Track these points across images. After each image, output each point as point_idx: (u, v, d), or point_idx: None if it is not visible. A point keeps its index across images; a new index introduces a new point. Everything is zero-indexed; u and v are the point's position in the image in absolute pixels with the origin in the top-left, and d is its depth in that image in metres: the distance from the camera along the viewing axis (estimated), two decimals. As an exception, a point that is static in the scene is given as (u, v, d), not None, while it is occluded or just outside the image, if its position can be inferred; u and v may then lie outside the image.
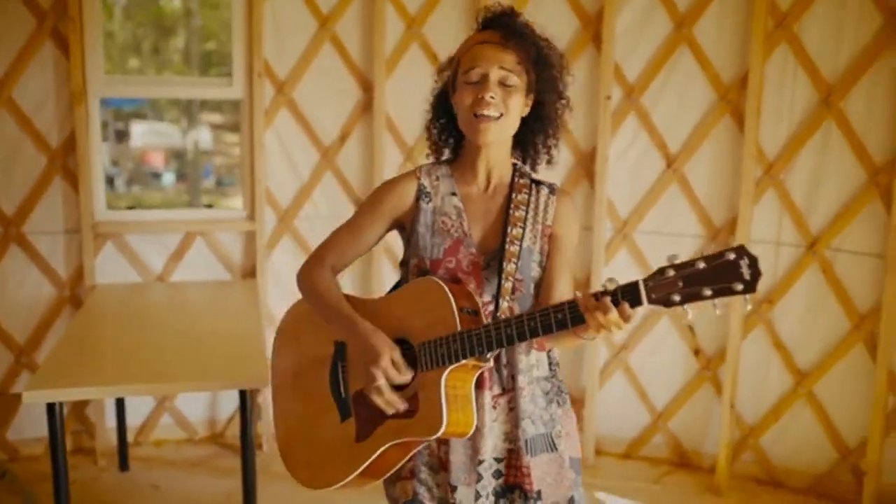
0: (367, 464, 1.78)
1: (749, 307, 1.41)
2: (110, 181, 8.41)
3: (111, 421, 3.84)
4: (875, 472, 3.41)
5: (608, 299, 1.50)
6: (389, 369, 1.71)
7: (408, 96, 3.90)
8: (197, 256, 3.95)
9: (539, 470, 1.82)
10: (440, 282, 1.73)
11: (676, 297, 1.45)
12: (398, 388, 1.75)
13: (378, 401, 1.73)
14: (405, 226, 1.89)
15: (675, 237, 3.76)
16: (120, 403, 3.73)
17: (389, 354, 1.72)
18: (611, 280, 1.53)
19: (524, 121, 1.84)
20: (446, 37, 3.84)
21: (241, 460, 2.71)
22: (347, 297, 1.89)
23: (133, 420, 3.91)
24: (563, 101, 1.88)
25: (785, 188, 3.55)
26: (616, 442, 4.01)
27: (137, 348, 2.91)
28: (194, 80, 4.91)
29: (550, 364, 1.88)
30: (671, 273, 1.45)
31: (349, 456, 1.82)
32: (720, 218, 3.70)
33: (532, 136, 1.88)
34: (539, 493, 1.81)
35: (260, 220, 3.89)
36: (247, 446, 2.68)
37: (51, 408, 2.48)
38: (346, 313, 1.81)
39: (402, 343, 1.77)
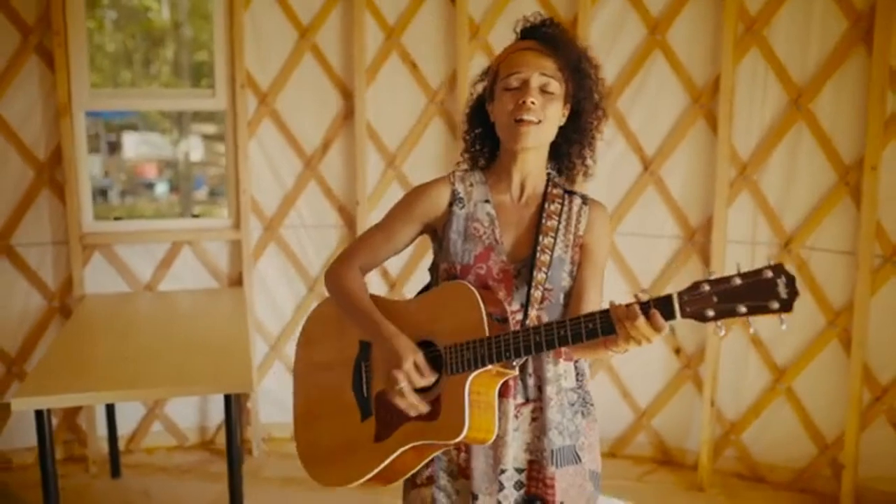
0: (384, 464, 1.78)
1: (784, 327, 1.40)
2: (103, 193, 8.46)
3: (102, 430, 3.89)
4: (852, 466, 3.48)
5: (639, 308, 1.48)
6: (412, 373, 1.70)
7: (388, 104, 3.99)
8: (184, 265, 4.01)
9: (564, 482, 1.82)
10: (470, 286, 1.72)
11: (710, 313, 1.43)
12: (422, 390, 1.74)
13: (400, 403, 1.72)
14: (437, 230, 1.89)
15: (653, 238, 3.83)
16: (110, 411, 3.78)
17: (413, 358, 1.71)
18: (644, 292, 1.52)
19: (560, 130, 1.84)
20: (425, 46, 3.93)
21: (227, 463, 2.75)
22: (375, 297, 1.88)
23: (124, 428, 3.96)
24: (600, 113, 1.87)
25: (759, 188, 3.62)
26: (601, 441, 4.06)
27: (126, 356, 2.96)
28: (178, 91, 4.98)
29: (578, 375, 1.87)
30: (706, 288, 1.43)
31: (367, 456, 1.81)
32: (696, 219, 3.77)
33: (567, 147, 1.87)
34: None
35: (245, 228, 3.95)
36: (232, 450, 2.72)
37: (39, 414, 2.54)
38: (371, 315, 1.82)
39: (428, 345, 1.76)
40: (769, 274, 1.38)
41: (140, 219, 6.48)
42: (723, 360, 3.74)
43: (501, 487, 1.80)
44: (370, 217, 4.00)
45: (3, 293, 3.80)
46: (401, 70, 3.94)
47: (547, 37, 1.80)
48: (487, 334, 1.67)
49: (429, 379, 1.72)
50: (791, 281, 1.37)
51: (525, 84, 1.76)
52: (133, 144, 9.33)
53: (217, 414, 4.15)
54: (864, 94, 3.32)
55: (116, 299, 3.79)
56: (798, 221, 3.57)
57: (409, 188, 4.10)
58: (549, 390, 1.80)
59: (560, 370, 1.82)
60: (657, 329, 1.48)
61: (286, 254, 4.07)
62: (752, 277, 1.40)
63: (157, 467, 3.95)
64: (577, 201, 1.87)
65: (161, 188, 9.47)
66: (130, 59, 8.30)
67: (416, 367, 1.71)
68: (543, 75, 1.76)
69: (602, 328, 1.54)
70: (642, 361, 3.96)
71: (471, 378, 1.68)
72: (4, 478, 3.52)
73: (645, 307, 1.48)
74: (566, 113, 1.83)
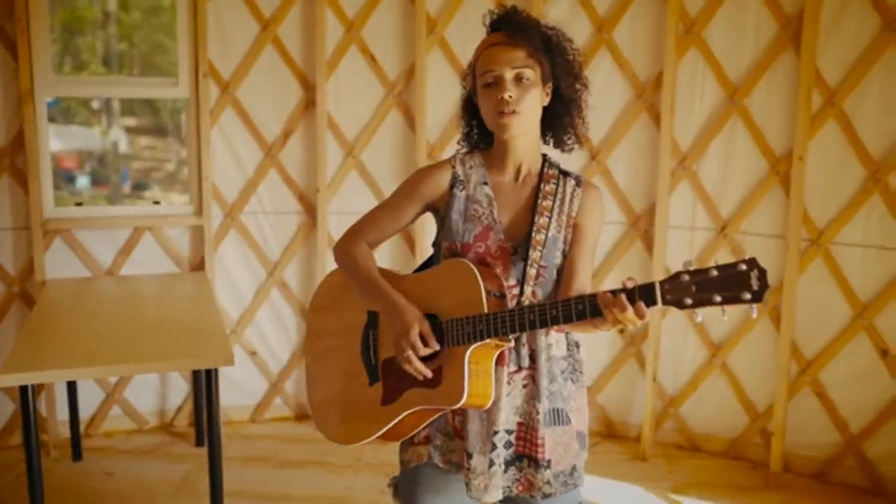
0: (389, 426, 1.93)
1: (755, 315, 1.53)
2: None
3: (60, 415, 3.92)
4: (781, 433, 3.78)
5: (625, 297, 1.60)
6: (417, 342, 1.84)
7: (347, 95, 4.12)
8: (145, 251, 4.06)
9: (552, 441, 1.94)
10: (471, 265, 1.84)
11: (688, 301, 1.54)
12: (426, 358, 1.87)
13: (408, 368, 1.86)
14: (439, 210, 2.01)
15: (600, 224, 4.06)
16: (72, 395, 3.82)
17: (418, 327, 1.85)
18: (630, 279, 1.63)
19: (547, 108, 1.94)
20: (384, 39, 4.09)
21: (207, 436, 2.86)
22: (382, 271, 2.01)
23: (82, 413, 3.98)
24: (580, 83, 1.97)
25: (698, 178, 3.90)
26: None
27: (102, 335, 3.03)
28: (140, 80, 4.98)
29: (569, 345, 1.99)
30: (686, 278, 1.55)
31: (374, 417, 1.97)
32: (640, 205, 4.03)
33: (557, 120, 1.98)
34: (549, 461, 1.94)
35: (207, 215, 4.04)
36: (213, 425, 2.80)
37: (24, 390, 2.60)
38: (380, 285, 1.96)
39: (431, 318, 1.89)
40: (743, 267, 1.50)
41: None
42: (664, 338, 4.01)
43: (494, 447, 1.93)
44: (330, 205, 4.13)
45: (-37, 279, 3.80)
46: (360, 63, 4.09)
47: (513, 26, 1.89)
48: (486, 311, 1.80)
49: (433, 347, 1.85)
50: (763, 274, 1.49)
51: (499, 80, 1.87)
52: (52, 136, 9.15)
53: (175, 397, 4.22)
54: (793, 92, 3.61)
55: (79, 284, 3.82)
56: (733, 208, 3.86)
57: (367, 177, 4.27)
58: (541, 358, 1.92)
59: (551, 340, 1.94)
60: (640, 315, 1.61)
61: (247, 240, 4.17)
62: (728, 270, 1.51)
63: (118, 450, 3.99)
64: (571, 183, 1.98)
65: (82, 181, 9.33)
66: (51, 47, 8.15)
67: (422, 335, 1.85)
68: (515, 68, 1.86)
69: (590, 311, 1.66)
70: (588, 340, 4.15)
71: (470, 350, 1.81)
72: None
73: (629, 294, 1.61)
74: (549, 91, 1.93)
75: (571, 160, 4.00)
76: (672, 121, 3.84)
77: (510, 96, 1.86)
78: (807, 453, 3.81)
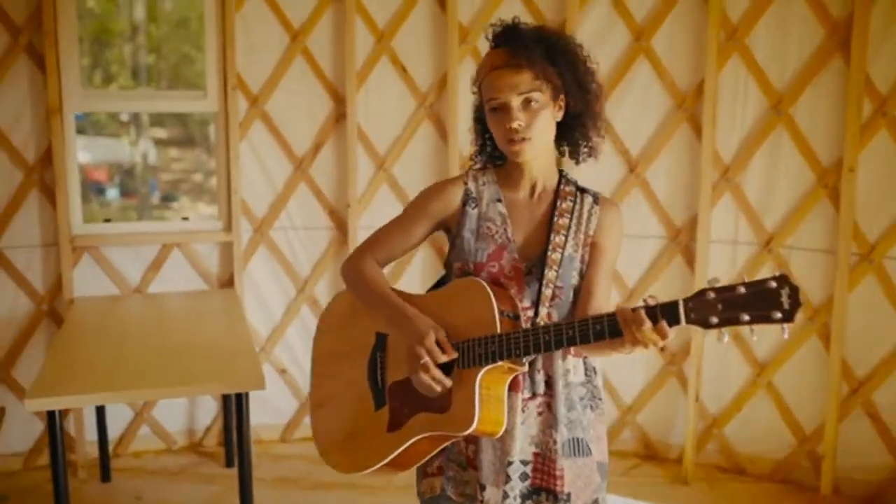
0: (395, 454, 1.83)
1: (786, 336, 1.44)
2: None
3: (89, 435, 3.85)
4: (831, 456, 3.62)
5: (646, 314, 1.51)
6: (434, 348, 1.74)
7: (378, 107, 4.04)
8: (173, 268, 3.99)
9: (572, 473, 1.84)
10: (484, 283, 1.76)
11: (714, 320, 1.46)
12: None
13: (425, 378, 1.74)
14: (451, 228, 1.93)
15: (639, 238, 3.93)
16: (101, 415, 3.75)
17: (434, 334, 1.75)
18: (652, 297, 1.54)
19: (561, 123, 1.86)
20: (415, 50, 4.00)
21: (237, 458, 2.78)
22: (392, 290, 1.93)
23: (110, 433, 3.91)
24: (590, 95, 1.86)
25: (741, 190, 3.76)
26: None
27: (131, 357, 2.97)
28: (168, 93, 4.94)
29: (587, 370, 1.90)
30: (711, 295, 1.46)
31: (380, 444, 1.87)
32: (680, 219, 3.89)
33: (571, 132, 1.88)
34: (569, 495, 1.84)
35: (236, 231, 3.96)
36: (242, 447, 2.74)
37: (51, 415, 2.54)
38: (391, 299, 1.87)
39: None
40: (773, 284, 1.41)
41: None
42: (706, 356, 3.87)
43: (508, 479, 1.84)
44: (360, 220, 4.04)
45: (-9, 297, 3.75)
46: (391, 74, 4.00)
47: (515, 43, 1.79)
48: (499, 331, 1.71)
49: (451, 354, 1.75)
50: (794, 291, 1.39)
51: (505, 107, 1.78)
52: (82, 148, 9.21)
53: (205, 417, 4.14)
54: (841, 100, 3.47)
55: (108, 302, 3.76)
56: (778, 222, 3.71)
57: (399, 191, 4.18)
58: (558, 385, 1.84)
59: (568, 365, 1.86)
60: (662, 335, 1.51)
61: (276, 256, 4.09)
62: (757, 287, 1.42)
63: (146, 471, 3.92)
64: (589, 200, 1.89)
65: (112, 193, 9.37)
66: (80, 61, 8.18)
67: (438, 342, 1.75)
68: (521, 94, 1.77)
69: (609, 330, 1.57)
70: (627, 359, 4.04)
71: (482, 373, 1.72)
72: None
73: (651, 312, 1.52)
74: (562, 105, 1.84)
75: (609, 173, 3.94)
76: (714, 131, 3.71)
77: (519, 125, 1.78)
78: (858, 476, 3.64)
